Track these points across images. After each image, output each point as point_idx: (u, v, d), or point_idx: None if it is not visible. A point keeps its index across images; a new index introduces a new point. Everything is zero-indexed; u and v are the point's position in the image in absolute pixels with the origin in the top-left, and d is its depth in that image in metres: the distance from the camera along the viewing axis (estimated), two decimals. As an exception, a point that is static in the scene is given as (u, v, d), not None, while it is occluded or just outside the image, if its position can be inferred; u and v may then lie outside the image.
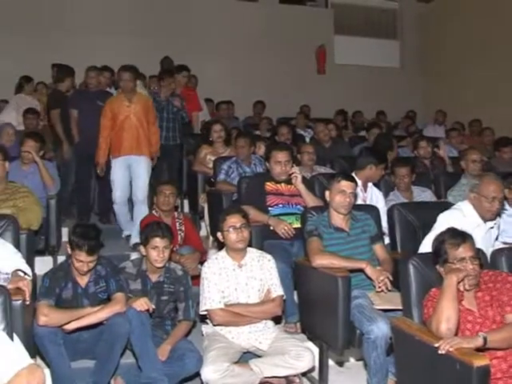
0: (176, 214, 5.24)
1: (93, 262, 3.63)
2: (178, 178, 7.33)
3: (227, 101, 9.86)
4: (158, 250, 3.85)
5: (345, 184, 4.07)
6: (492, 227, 4.15)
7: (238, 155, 6.17)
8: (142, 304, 3.68)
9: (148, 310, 3.71)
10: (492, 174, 4.51)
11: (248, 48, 12.06)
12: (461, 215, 4.03)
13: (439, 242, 3.17)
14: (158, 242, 3.85)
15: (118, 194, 6.21)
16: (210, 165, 6.52)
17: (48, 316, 3.44)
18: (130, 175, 6.23)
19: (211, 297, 3.81)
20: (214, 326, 3.89)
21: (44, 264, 5.07)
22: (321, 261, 3.82)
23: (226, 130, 6.92)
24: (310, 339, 4.20)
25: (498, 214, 4.17)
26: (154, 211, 5.24)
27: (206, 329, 3.98)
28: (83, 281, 3.73)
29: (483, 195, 4.00)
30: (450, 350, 2.65)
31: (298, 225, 4.65)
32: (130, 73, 6.16)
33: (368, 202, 5.06)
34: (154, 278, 3.96)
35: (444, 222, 3.92)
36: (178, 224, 5.13)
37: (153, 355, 3.61)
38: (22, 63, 9.60)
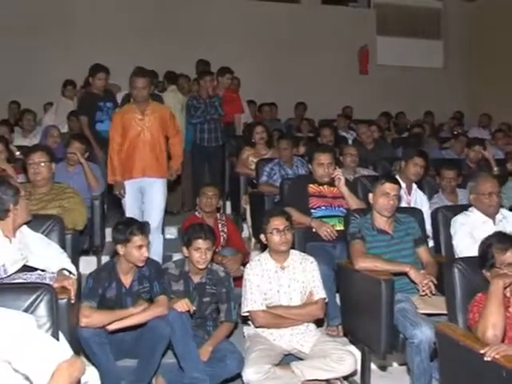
0: (218, 215, 5.26)
1: (148, 244, 3.74)
2: (220, 180, 7.36)
3: (270, 103, 9.87)
4: (200, 252, 3.87)
5: (388, 186, 4.03)
6: (501, 220, 4.31)
7: (281, 157, 6.19)
8: (183, 305, 3.70)
9: (189, 311, 3.73)
10: (485, 173, 4.97)
11: (290, 49, 12.05)
12: (466, 216, 4.30)
13: (486, 246, 3.12)
14: (200, 243, 3.87)
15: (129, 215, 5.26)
16: (252, 166, 6.54)
17: (90, 317, 3.49)
18: (143, 199, 5.50)
19: (253, 298, 3.82)
20: (256, 327, 3.90)
21: (88, 264, 5.16)
22: (364, 263, 3.79)
23: (268, 132, 6.93)
24: (352, 343, 4.18)
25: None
26: (196, 212, 5.28)
27: (248, 330, 4.00)
28: (127, 280, 3.78)
29: (481, 193, 4.27)
30: (496, 356, 2.60)
31: (340, 227, 4.65)
32: (146, 79, 5.33)
33: (412, 205, 5.01)
34: (196, 279, 3.98)
35: (456, 223, 4.28)
36: (220, 225, 5.15)
37: (195, 356, 3.63)
38: (72, 68, 9.78)
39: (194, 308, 3.79)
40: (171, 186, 6.03)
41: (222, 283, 3.97)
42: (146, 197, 5.45)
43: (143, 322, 3.60)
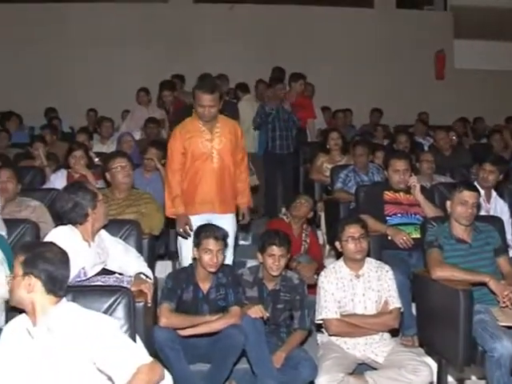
0: (305, 225, 5.28)
1: (220, 250, 3.76)
2: (293, 187, 7.38)
3: (344, 109, 9.81)
4: (273, 258, 3.87)
5: (467, 194, 3.93)
6: None
7: (356, 164, 6.15)
8: (257, 311, 3.72)
9: (262, 318, 3.74)
10: None
11: (364, 54, 11.95)
12: None
13: None
14: (274, 250, 3.88)
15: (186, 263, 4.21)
16: (327, 173, 6.50)
17: (169, 319, 3.61)
18: None
19: (327, 306, 3.79)
20: (330, 335, 3.86)
21: (164, 268, 5.26)
22: (441, 273, 3.70)
23: (343, 138, 6.89)
24: (428, 354, 4.08)
25: None
26: (285, 216, 5.34)
27: (322, 338, 3.97)
28: (205, 286, 3.83)
29: None
30: None
31: (416, 235, 4.57)
32: (215, 95, 4.33)
33: (492, 213, 4.88)
34: (270, 285, 3.99)
35: None
36: (303, 235, 5.19)
37: (268, 362, 3.64)
38: (149, 76, 10.03)
39: (268, 314, 3.80)
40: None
41: (295, 290, 3.96)
42: None
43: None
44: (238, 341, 3.57)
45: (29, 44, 10.70)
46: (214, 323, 3.67)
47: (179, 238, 4.50)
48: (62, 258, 2.60)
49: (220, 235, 3.79)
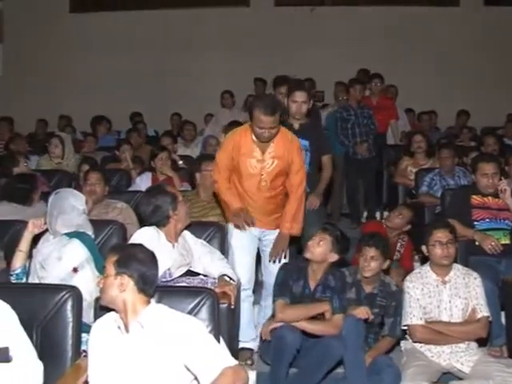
0: (402, 235, 5.19)
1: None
2: (376, 191, 7.32)
3: (429, 111, 9.63)
4: (365, 259, 3.85)
5: None
6: None
7: (442, 167, 6.03)
8: (363, 312, 3.71)
9: (366, 320, 3.72)
10: None
11: (449, 55, 11.65)
12: None
13: None
14: (366, 250, 3.85)
15: (246, 276, 4.11)
16: (412, 176, 6.40)
17: (284, 313, 3.66)
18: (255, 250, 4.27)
19: (412, 312, 3.73)
20: (414, 342, 3.79)
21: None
22: (533, 281, 3.58)
23: (428, 141, 6.76)
24: (518, 365, 3.94)
25: None
26: (383, 220, 5.35)
27: (406, 345, 3.89)
28: (313, 284, 3.85)
29: None
30: None
31: (505, 241, 4.45)
32: (276, 117, 3.89)
33: None
34: (367, 288, 3.94)
35: None
36: (398, 245, 5.11)
37: (362, 368, 3.60)
38: (229, 79, 10.15)
39: (372, 317, 3.77)
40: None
41: (392, 296, 3.90)
42: (264, 251, 4.30)
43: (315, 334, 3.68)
44: (337, 353, 3.56)
45: (118, 52, 11.06)
46: (315, 325, 3.69)
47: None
48: (152, 258, 2.70)
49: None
